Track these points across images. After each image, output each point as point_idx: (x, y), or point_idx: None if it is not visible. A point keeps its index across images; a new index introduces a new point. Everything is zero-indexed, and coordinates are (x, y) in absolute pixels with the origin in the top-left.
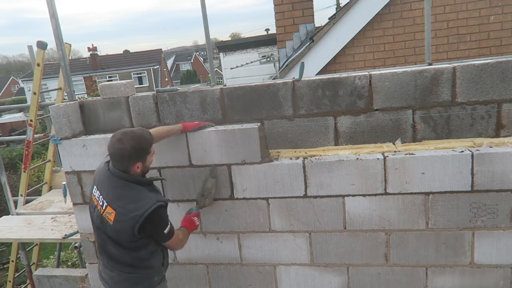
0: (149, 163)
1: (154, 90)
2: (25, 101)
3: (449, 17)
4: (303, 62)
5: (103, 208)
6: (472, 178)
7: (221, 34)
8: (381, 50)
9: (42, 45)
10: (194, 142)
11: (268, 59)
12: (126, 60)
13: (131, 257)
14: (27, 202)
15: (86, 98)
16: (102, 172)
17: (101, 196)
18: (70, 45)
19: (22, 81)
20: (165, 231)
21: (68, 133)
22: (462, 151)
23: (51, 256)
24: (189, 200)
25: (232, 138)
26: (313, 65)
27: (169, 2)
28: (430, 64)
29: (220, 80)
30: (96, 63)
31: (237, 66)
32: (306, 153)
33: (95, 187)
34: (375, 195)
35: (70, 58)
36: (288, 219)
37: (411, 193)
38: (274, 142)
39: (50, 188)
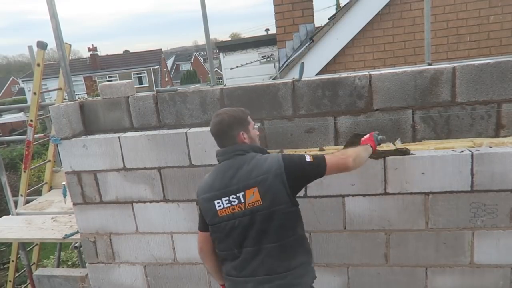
0: (255, 136)
1: (154, 90)
2: (25, 101)
3: (449, 17)
4: (303, 62)
5: (243, 200)
6: (472, 178)
7: (221, 34)
8: (381, 50)
9: (42, 45)
10: (194, 142)
11: (268, 59)
12: (126, 60)
13: (294, 241)
14: (27, 202)
15: (86, 98)
16: (217, 178)
17: (232, 196)
18: (70, 45)
19: (22, 81)
20: (308, 159)
21: (68, 133)
22: (462, 151)
23: (51, 256)
24: (189, 200)
25: None
26: (313, 65)
27: (168, 3)
28: (430, 64)
29: (220, 80)
30: (96, 63)
31: (237, 66)
32: (305, 152)
33: (217, 201)
34: (375, 195)
35: (70, 58)
36: None
37: (411, 193)
38: (274, 142)
39: (50, 188)
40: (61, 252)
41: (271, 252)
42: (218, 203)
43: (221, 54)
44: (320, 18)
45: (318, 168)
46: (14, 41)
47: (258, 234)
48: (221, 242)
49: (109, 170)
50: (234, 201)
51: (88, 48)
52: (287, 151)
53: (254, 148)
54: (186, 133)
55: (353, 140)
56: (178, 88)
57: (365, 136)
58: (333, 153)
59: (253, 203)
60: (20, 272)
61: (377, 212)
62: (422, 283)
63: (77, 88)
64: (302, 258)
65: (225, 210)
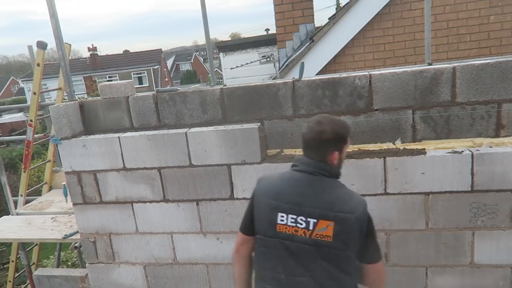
0: (344, 158)
1: (154, 90)
2: (25, 101)
3: (449, 17)
4: (303, 62)
5: (313, 227)
6: (472, 178)
7: (221, 34)
8: (381, 50)
9: (42, 45)
10: (194, 142)
11: (268, 59)
12: (126, 60)
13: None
14: (27, 202)
15: (86, 98)
16: (289, 188)
17: (301, 217)
18: (70, 45)
19: (22, 81)
20: (378, 242)
21: (68, 133)
22: (462, 151)
23: (51, 256)
24: (189, 200)
25: (232, 138)
26: (313, 65)
27: (168, 3)
28: (430, 64)
29: (220, 80)
30: (96, 63)
31: (237, 66)
32: None
33: (282, 215)
34: (375, 195)
35: (70, 58)
36: None
37: (411, 193)
38: (274, 142)
39: (50, 188)
40: (61, 252)
41: None
42: (282, 217)
43: (221, 54)
44: (320, 18)
45: (375, 254)
46: (14, 41)
47: (317, 269)
48: (267, 259)
49: (109, 170)
50: (301, 224)
51: (88, 48)
52: (287, 151)
53: (336, 173)
54: (186, 133)
55: None
56: (178, 88)
57: None
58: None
59: (321, 236)
60: (20, 272)
61: (377, 212)
62: (422, 283)
63: (77, 88)
64: None
65: (286, 228)
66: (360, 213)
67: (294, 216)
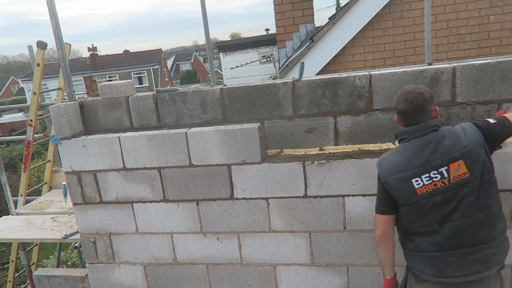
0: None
1: (154, 90)
2: (25, 101)
3: (449, 17)
4: (303, 62)
5: (447, 174)
6: None
7: (221, 34)
8: (381, 50)
9: (42, 45)
10: (194, 142)
11: (268, 59)
12: (126, 60)
13: (496, 210)
14: (27, 202)
15: (86, 98)
16: (413, 155)
17: (433, 172)
18: (70, 45)
19: (22, 81)
20: (492, 121)
21: (68, 133)
22: None
23: (51, 256)
24: (189, 200)
25: (232, 138)
26: (313, 65)
27: (169, 3)
28: (430, 64)
29: (220, 80)
30: (96, 63)
31: (237, 66)
32: (305, 152)
33: (416, 180)
34: (375, 195)
35: (70, 58)
36: (288, 219)
37: None
38: (274, 142)
39: (50, 188)
40: (61, 252)
41: (477, 222)
42: (417, 181)
43: (221, 54)
44: (320, 18)
45: (506, 127)
46: (14, 41)
47: (466, 207)
48: (417, 220)
49: (109, 170)
50: (436, 177)
51: (88, 48)
52: (287, 151)
53: (442, 122)
54: (186, 133)
55: None
56: (178, 88)
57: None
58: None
59: (459, 176)
60: (20, 272)
61: None
62: None
63: (77, 88)
64: (502, 226)
65: (425, 188)
66: (477, 138)
67: (427, 175)
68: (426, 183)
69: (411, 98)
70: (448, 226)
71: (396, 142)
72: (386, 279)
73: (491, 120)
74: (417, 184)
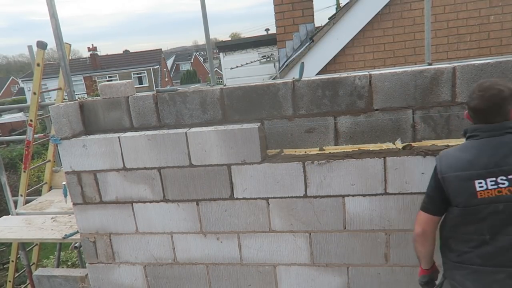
0: None
1: (154, 90)
2: (25, 101)
3: (449, 17)
4: (303, 62)
5: None
6: None
7: (221, 34)
8: (381, 50)
9: (42, 45)
10: (194, 142)
11: (268, 59)
12: (126, 60)
13: None
14: (27, 202)
15: (86, 98)
16: (482, 154)
17: (501, 177)
18: (70, 45)
19: (22, 81)
20: None
21: (68, 133)
22: None
23: (51, 256)
24: (189, 200)
25: (232, 138)
26: (313, 65)
27: (169, 3)
28: (430, 64)
29: (220, 80)
30: (96, 63)
31: (237, 66)
32: (305, 152)
33: (479, 181)
34: (375, 195)
35: (70, 58)
36: (288, 219)
37: (411, 193)
38: (274, 142)
39: (50, 188)
40: (61, 252)
41: None
42: (480, 183)
43: (221, 54)
44: (320, 18)
45: None
46: (14, 41)
47: None
48: (468, 225)
49: (109, 170)
50: (504, 183)
51: (88, 48)
52: (287, 151)
53: None
54: (186, 133)
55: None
56: (178, 88)
57: None
58: None
59: None
60: (20, 272)
61: (377, 212)
62: None
63: (77, 88)
64: None
65: (487, 192)
66: None
67: (493, 179)
68: (490, 187)
69: (488, 95)
70: (502, 239)
71: (396, 142)
72: (422, 268)
73: None
74: (480, 187)
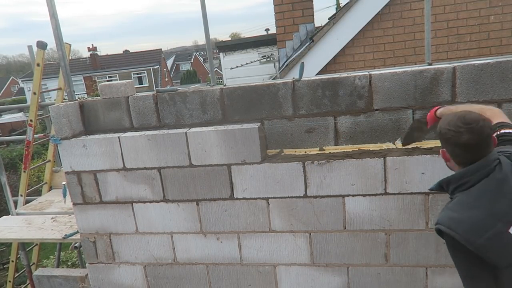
0: None
1: (154, 90)
2: (25, 101)
3: (449, 17)
4: (303, 62)
5: None
6: None
7: (221, 34)
8: (381, 50)
9: (42, 45)
10: (194, 142)
11: (268, 59)
12: (126, 60)
13: None
14: (27, 202)
15: (86, 98)
16: (496, 201)
17: None
18: (70, 45)
19: (22, 81)
20: None
21: (68, 133)
22: None
23: (51, 256)
24: (189, 200)
25: (232, 138)
26: (313, 65)
27: (169, 3)
28: (430, 64)
29: (220, 80)
30: (96, 63)
31: (237, 66)
32: (305, 152)
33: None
34: (375, 195)
35: (70, 58)
36: (288, 219)
37: (411, 193)
38: (274, 142)
39: (50, 188)
40: (61, 252)
41: None
42: None
43: (221, 54)
44: (320, 18)
45: None
46: (14, 41)
47: None
48: None
49: (109, 170)
50: None
51: (88, 48)
52: (287, 151)
53: (497, 150)
54: (186, 133)
55: (417, 126)
56: (178, 88)
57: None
58: None
59: None
60: (20, 272)
61: (377, 212)
62: (422, 283)
63: (77, 88)
64: None
65: None
66: None
67: None
68: None
69: (478, 127)
70: None
71: (396, 142)
72: None
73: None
74: None
